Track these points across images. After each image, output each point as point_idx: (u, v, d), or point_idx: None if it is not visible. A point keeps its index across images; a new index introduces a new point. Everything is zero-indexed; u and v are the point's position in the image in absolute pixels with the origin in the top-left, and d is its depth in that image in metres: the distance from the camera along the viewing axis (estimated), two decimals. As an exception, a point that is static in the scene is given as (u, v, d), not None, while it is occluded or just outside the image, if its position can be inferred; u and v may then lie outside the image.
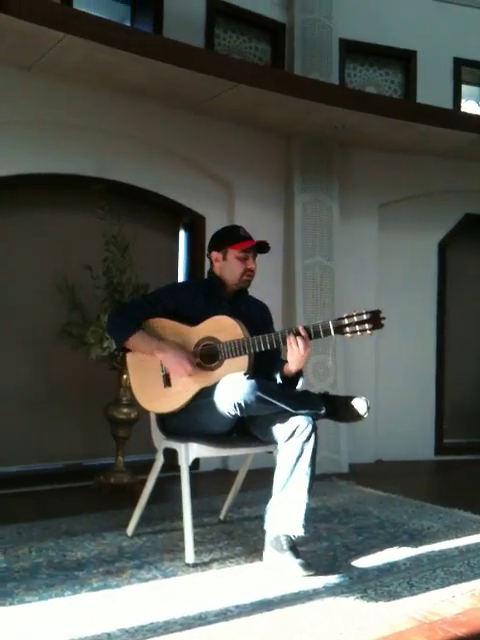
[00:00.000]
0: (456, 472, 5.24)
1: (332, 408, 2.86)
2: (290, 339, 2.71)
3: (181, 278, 4.93)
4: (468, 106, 6.20)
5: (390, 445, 5.48)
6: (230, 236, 3.07)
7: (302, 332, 2.71)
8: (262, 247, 3.05)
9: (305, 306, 5.10)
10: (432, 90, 5.78)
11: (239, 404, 2.63)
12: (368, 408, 2.86)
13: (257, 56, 5.38)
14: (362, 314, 2.63)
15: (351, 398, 2.87)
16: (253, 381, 2.65)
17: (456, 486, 4.76)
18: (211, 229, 4.86)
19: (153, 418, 3.00)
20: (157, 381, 2.90)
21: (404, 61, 5.78)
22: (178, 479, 2.78)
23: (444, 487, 4.82)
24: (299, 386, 2.88)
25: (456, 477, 5.08)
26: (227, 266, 3.02)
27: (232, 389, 2.65)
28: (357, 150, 5.38)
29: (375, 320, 2.64)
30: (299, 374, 2.87)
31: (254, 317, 3.07)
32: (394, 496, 4.10)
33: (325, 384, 5.03)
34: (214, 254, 3.08)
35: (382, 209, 5.55)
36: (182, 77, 4.13)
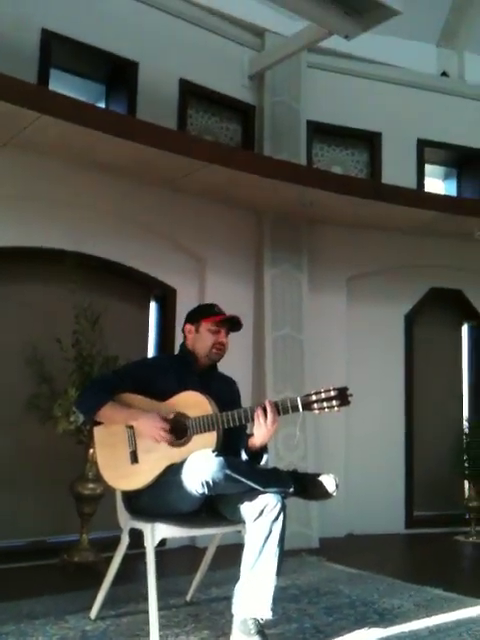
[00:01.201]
0: (426, 546, 5.20)
1: (301, 486, 2.85)
2: (257, 413, 2.73)
3: (151, 350, 4.95)
4: (432, 184, 6.46)
5: (361, 518, 5.43)
6: (205, 310, 3.15)
7: (269, 407, 2.72)
8: (234, 324, 3.09)
9: (275, 378, 5.13)
10: (397, 169, 6.02)
11: (207, 482, 2.61)
12: (337, 486, 2.86)
13: (228, 136, 5.57)
14: (329, 391, 2.67)
15: (319, 476, 2.87)
16: (221, 459, 2.64)
17: (426, 561, 4.72)
18: (182, 301, 5.00)
19: (119, 496, 2.96)
20: (124, 458, 2.87)
21: (369, 142, 6.03)
22: (145, 556, 2.72)
23: (415, 562, 4.77)
24: (264, 461, 2.87)
25: (426, 551, 5.03)
26: (199, 338, 3.06)
27: (200, 467, 2.63)
28: (325, 226, 5.54)
29: (342, 397, 2.67)
30: (264, 449, 2.87)
31: (223, 393, 3.08)
32: (365, 573, 4.04)
33: (295, 456, 5.02)
34: (187, 327, 3.12)
35: (350, 282, 5.68)
36: (155, 157, 4.25)
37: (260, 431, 2.74)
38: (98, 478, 3.89)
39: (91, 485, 4.03)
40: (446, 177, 6.64)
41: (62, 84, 4.89)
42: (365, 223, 5.53)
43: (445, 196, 6.01)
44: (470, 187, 6.42)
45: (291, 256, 5.34)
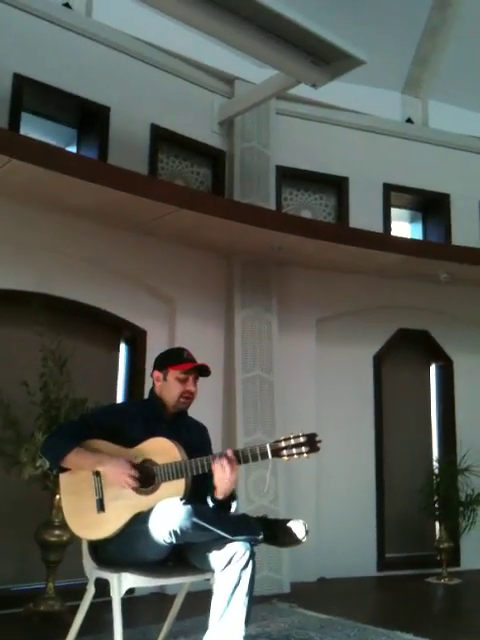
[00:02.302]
0: (398, 589, 5.17)
1: (271, 533, 2.83)
2: (215, 463, 2.71)
3: (121, 393, 4.91)
4: (398, 227, 6.59)
5: (332, 562, 5.39)
6: (172, 357, 3.09)
7: (229, 455, 2.71)
8: (203, 370, 3.08)
9: (245, 420, 5.11)
10: (364, 213, 6.13)
11: (175, 531, 2.58)
12: (307, 532, 2.84)
13: (199, 180, 5.65)
14: (299, 437, 2.68)
15: (289, 522, 2.85)
16: (189, 507, 2.62)
17: (398, 605, 4.68)
18: (153, 343, 4.99)
19: (85, 545, 2.90)
20: (90, 506, 2.82)
21: (337, 186, 6.15)
22: (112, 605, 2.66)
23: (386, 606, 4.73)
24: (233, 509, 2.84)
25: (398, 594, 4.99)
26: (166, 386, 3.03)
27: (167, 516, 2.60)
28: (294, 269, 5.60)
29: (311, 443, 2.68)
30: (232, 497, 2.85)
31: (193, 439, 3.05)
32: (336, 619, 3.99)
33: (266, 500, 4.98)
34: (156, 373, 3.08)
35: (319, 324, 5.73)
36: (126, 201, 4.28)
37: (219, 480, 2.72)
38: (64, 525, 3.82)
39: (57, 532, 3.94)
40: (412, 220, 6.78)
41: (33, 128, 4.93)
42: (333, 266, 5.61)
43: (411, 239, 6.15)
44: (436, 230, 6.56)
45: (261, 298, 5.38)
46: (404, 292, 5.96)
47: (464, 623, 4.19)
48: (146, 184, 4.42)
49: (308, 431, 2.72)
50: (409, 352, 6.22)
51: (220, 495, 2.76)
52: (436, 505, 5.58)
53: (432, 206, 6.60)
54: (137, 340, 4.94)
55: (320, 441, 2.70)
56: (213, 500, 2.80)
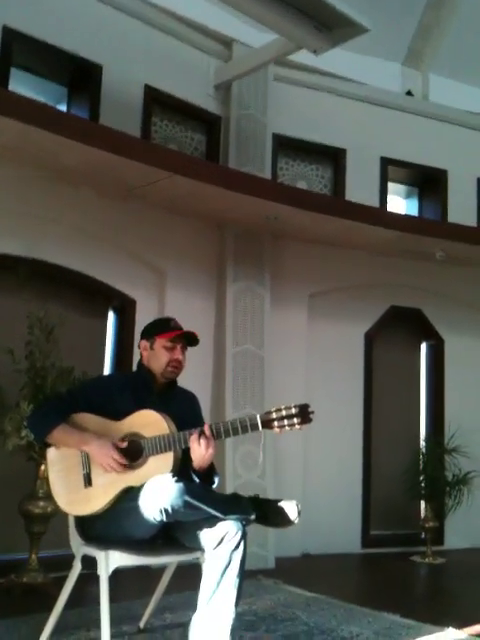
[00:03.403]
0: (383, 567, 5.16)
1: (262, 513, 2.76)
2: (193, 438, 2.62)
3: (108, 362, 4.79)
4: (393, 202, 6.47)
5: (317, 538, 5.35)
6: (160, 326, 3.01)
7: (206, 432, 2.62)
8: (191, 339, 2.97)
9: (234, 394, 5.02)
10: (360, 186, 6.00)
11: (165, 510, 2.50)
12: (299, 513, 2.77)
13: (193, 146, 5.47)
14: (290, 408, 2.58)
15: (281, 502, 2.78)
16: (181, 485, 2.53)
17: (383, 584, 4.66)
18: (142, 313, 4.87)
19: (71, 521, 2.81)
20: (77, 481, 2.73)
21: (334, 158, 6.00)
22: (97, 578, 2.59)
23: (371, 585, 4.69)
24: (215, 484, 2.78)
25: (383, 573, 4.98)
26: (154, 355, 2.93)
27: (158, 493, 2.51)
28: (288, 241, 5.48)
29: (303, 415, 2.58)
30: (212, 470, 2.77)
31: (184, 410, 2.97)
32: (322, 597, 3.95)
33: (253, 475, 4.92)
34: (143, 343, 2.99)
35: (311, 299, 5.62)
36: (117, 164, 4.12)
37: (195, 455, 2.65)
38: (49, 496, 3.73)
39: (42, 503, 3.85)
40: (408, 196, 6.66)
41: (22, 84, 4.73)
42: (328, 240, 5.49)
43: (409, 216, 6.03)
44: (431, 207, 6.45)
45: (254, 271, 5.26)
46: (398, 269, 5.87)
47: (450, 605, 4.17)
48: (139, 147, 4.26)
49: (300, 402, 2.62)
50: (400, 330, 6.14)
51: (196, 466, 2.68)
52: (422, 484, 5.55)
53: (429, 182, 6.48)
54: (126, 309, 4.82)
55: (313, 412, 2.61)
56: (194, 473, 2.70)
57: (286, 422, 2.55)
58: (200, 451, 2.62)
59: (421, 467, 5.59)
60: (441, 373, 6.15)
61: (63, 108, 4.98)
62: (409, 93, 6.37)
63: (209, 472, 2.76)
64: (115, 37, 4.98)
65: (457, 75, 6.42)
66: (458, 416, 5.89)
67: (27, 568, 3.86)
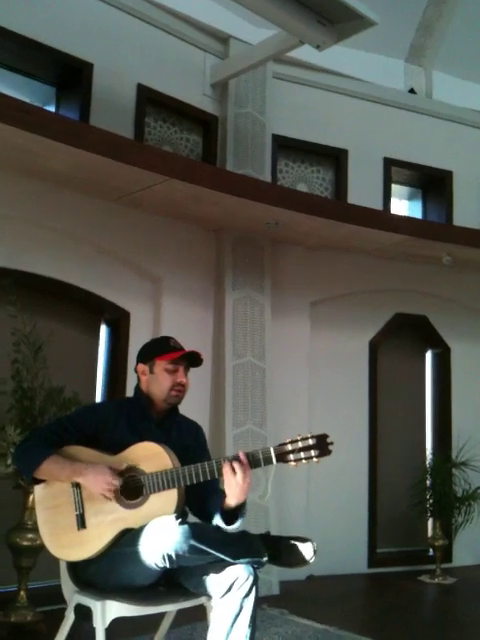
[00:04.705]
0: (391, 590, 4.89)
1: (275, 552, 2.53)
2: (226, 467, 2.36)
3: (101, 379, 4.51)
4: (396, 204, 6.22)
5: (322, 558, 4.99)
6: (158, 346, 2.73)
7: (242, 457, 2.35)
8: (194, 359, 2.71)
9: (234, 409, 4.76)
10: (363, 189, 5.75)
11: (169, 556, 2.26)
12: (315, 551, 2.54)
13: (188, 148, 5.20)
14: (307, 439, 2.36)
15: (296, 540, 2.56)
16: (186, 527, 2.28)
17: (393, 610, 4.38)
18: (136, 325, 4.60)
19: (63, 565, 2.54)
20: (69, 523, 2.47)
21: (336, 159, 5.74)
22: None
23: (381, 613, 4.37)
24: (238, 524, 2.49)
25: (392, 598, 4.69)
26: (154, 380, 2.66)
27: (160, 538, 2.27)
28: (289, 247, 5.23)
29: (322, 446, 2.37)
30: (240, 509, 2.49)
31: (187, 441, 2.72)
32: (331, 629, 3.72)
33: (254, 494, 4.64)
34: (140, 367, 2.72)
35: (313, 307, 5.37)
36: (109, 168, 3.86)
37: (231, 488, 2.38)
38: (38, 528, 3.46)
39: (30, 535, 3.57)
40: (411, 198, 6.42)
41: (8, 84, 4.44)
42: (331, 245, 5.25)
43: (414, 219, 5.77)
44: (436, 209, 6.21)
45: (253, 278, 5.00)
46: (403, 275, 5.63)
47: (466, 634, 3.93)
48: (133, 149, 3.98)
49: (317, 432, 2.39)
50: (406, 338, 5.90)
51: (233, 504, 2.41)
52: (430, 500, 5.31)
53: (433, 183, 6.23)
54: (119, 322, 4.54)
55: (332, 443, 2.37)
56: (221, 515, 2.43)
57: (303, 455, 2.33)
58: (236, 481, 2.35)
59: (429, 482, 5.35)
60: (448, 382, 5.91)
61: (51, 109, 4.69)
62: (412, 91, 6.13)
63: (236, 510, 2.45)
64: (106, 34, 4.69)
65: (462, 72, 6.18)
66: (466, 427, 5.65)
67: (16, 605, 3.58)
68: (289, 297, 5.23)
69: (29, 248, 4.13)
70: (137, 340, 4.48)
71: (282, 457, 2.35)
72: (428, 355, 6.04)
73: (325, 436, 2.37)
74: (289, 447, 2.36)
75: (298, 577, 4.92)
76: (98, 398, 4.46)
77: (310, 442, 2.34)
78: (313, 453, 2.34)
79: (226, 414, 4.71)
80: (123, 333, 4.50)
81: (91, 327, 4.55)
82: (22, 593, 3.60)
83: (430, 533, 5.45)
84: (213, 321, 4.93)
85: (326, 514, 5.19)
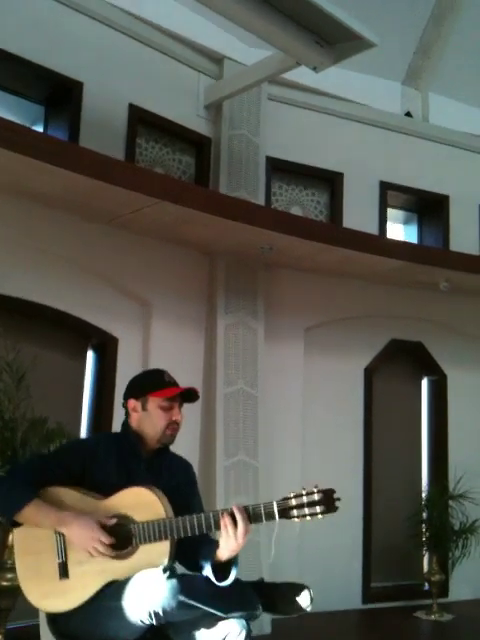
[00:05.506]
0: (386, 628, 4.73)
1: (270, 600, 2.37)
2: (225, 521, 2.20)
3: (86, 409, 4.34)
4: (392, 228, 6.12)
5: (315, 593, 4.89)
6: (152, 381, 2.55)
7: (239, 514, 2.19)
8: (190, 396, 2.55)
9: (226, 438, 4.60)
10: (358, 212, 5.66)
11: (156, 613, 2.08)
12: (312, 599, 2.39)
13: (181, 169, 5.07)
14: (313, 494, 2.20)
15: (291, 588, 2.40)
16: (174, 582, 2.10)
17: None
18: (124, 352, 4.44)
19: (42, 616, 2.36)
20: (51, 571, 2.29)
21: (331, 182, 5.64)
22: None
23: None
24: (232, 578, 2.31)
25: (388, 637, 4.53)
26: (147, 417, 2.49)
27: (147, 594, 2.09)
28: (283, 271, 5.11)
29: (328, 502, 2.20)
30: (233, 562, 2.31)
31: (177, 480, 2.54)
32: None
33: (253, 553, 4.47)
34: (131, 403, 2.54)
35: (308, 332, 5.24)
36: (99, 190, 3.73)
37: (228, 544, 2.20)
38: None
39: (9, 575, 3.41)
40: (406, 222, 6.32)
41: (-5, 102, 4.33)
42: (326, 269, 5.13)
43: (410, 244, 5.68)
44: (432, 233, 6.11)
45: (246, 303, 4.87)
46: (398, 300, 5.52)
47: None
48: (123, 171, 3.86)
49: (324, 486, 2.23)
50: (401, 365, 5.77)
51: (225, 558, 2.24)
52: (427, 533, 5.15)
53: (428, 207, 6.14)
54: (107, 348, 4.40)
55: (339, 499, 2.21)
56: (212, 567, 2.26)
57: (307, 511, 2.17)
58: (234, 537, 2.18)
59: (425, 514, 5.19)
60: (444, 410, 5.77)
61: (40, 128, 4.57)
62: (408, 114, 6.05)
63: (228, 564, 2.26)
64: (97, 52, 4.59)
65: (458, 95, 6.12)
66: (464, 458, 5.51)
67: (-7, 649, 3.40)
68: (283, 322, 5.11)
69: (12, 270, 3.98)
70: (125, 366, 4.34)
71: (285, 513, 2.20)
72: (424, 382, 5.91)
73: (332, 491, 2.21)
74: (293, 502, 2.20)
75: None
76: (83, 428, 4.30)
77: (315, 497, 2.19)
78: (318, 509, 2.18)
79: (217, 444, 4.55)
80: (110, 359, 4.36)
81: (77, 353, 4.40)
82: (0, 637, 3.41)
83: (426, 568, 5.30)
84: (204, 346, 4.79)
85: (319, 546, 5.01)
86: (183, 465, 2.67)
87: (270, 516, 2.19)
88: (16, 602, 3.41)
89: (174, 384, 2.54)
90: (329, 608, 4.89)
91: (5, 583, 3.39)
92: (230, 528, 2.19)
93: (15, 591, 3.38)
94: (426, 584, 5.32)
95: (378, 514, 5.38)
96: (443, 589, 5.32)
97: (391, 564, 5.45)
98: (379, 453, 5.48)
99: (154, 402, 2.48)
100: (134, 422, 2.52)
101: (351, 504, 5.25)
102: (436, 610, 4.99)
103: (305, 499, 2.18)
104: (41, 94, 4.58)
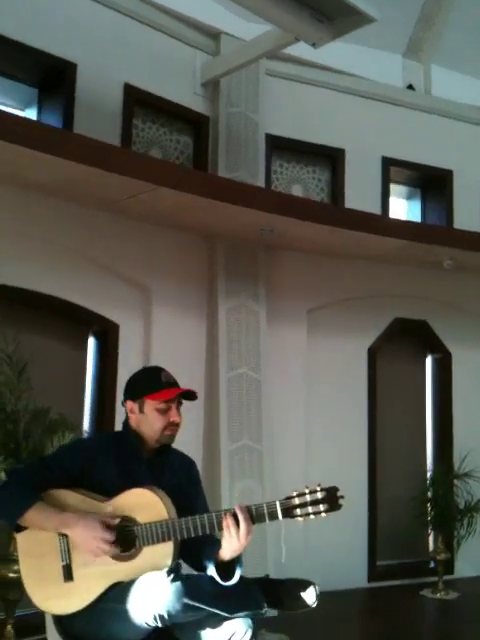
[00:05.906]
0: (393, 607, 4.75)
1: (275, 597, 2.36)
2: (227, 522, 2.17)
3: (89, 398, 4.31)
4: (395, 204, 6.03)
5: (320, 573, 4.89)
6: (148, 382, 2.48)
7: (241, 514, 2.16)
8: (189, 395, 2.51)
9: (229, 424, 4.58)
10: (360, 189, 5.57)
11: (161, 616, 2.07)
12: (317, 596, 2.39)
13: (179, 149, 4.98)
14: (316, 492, 2.17)
15: (297, 584, 2.40)
16: (178, 585, 2.09)
17: (396, 631, 4.24)
18: (125, 338, 4.40)
19: (48, 618, 2.36)
20: (55, 573, 2.28)
21: (332, 159, 5.54)
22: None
23: (380, 635, 4.24)
24: (236, 578, 2.29)
25: (394, 616, 4.56)
26: (145, 420, 2.44)
27: (151, 597, 2.08)
28: (285, 253, 5.04)
29: (331, 500, 2.18)
30: (236, 562, 2.29)
31: (179, 479, 2.51)
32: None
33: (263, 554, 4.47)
34: (129, 404, 2.48)
35: (310, 314, 5.18)
36: (95, 177, 3.65)
37: (231, 544, 2.18)
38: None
39: (16, 567, 3.34)
40: (409, 197, 6.22)
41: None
42: (328, 250, 5.06)
43: (414, 223, 5.61)
44: (435, 209, 6.02)
45: (247, 286, 4.81)
46: (402, 279, 5.46)
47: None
48: (120, 158, 3.77)
49: (327, 484, 2.20)
50: (405, 344, 5.73)
51: (227, 558, 2.21)
52: (432, 512, 5.15)
53: (432, 182, 6.04)
54: (108, 335, 4.36)
55: (342, 497, 2.19)
56: (215, 567, 2.24)
57: (311, 509, 2.14)
58: (237, 537, 2.15)
59: (430, 493, 5.19)
60: (449, 389, 5.75)
61: (33, 112, 4.47)
62: (410, 87, 5.91)
63: (231, 563, 2.23)
64: (90, 31, 4.47)
65: (461, 67, 5.96)
66: (468, 436, 5.51)
67: (2, 639, 3.42)
68: (285, 305, 5.05)
69: (10, 259, 3.92)
70: (127, 353, 4.32)
71: (288, 512, 2.17)
72: (428, 361, 5.87)
73: (335, 489, 2.20)
74: (296, 501, 2.17)
75: (297, 595, 4.76)
76: (86, 417, 4.27)
77: (319, 496, 2.16)
78: (322, 507, 2.16)
79: (221, 429, 4.53)
80: (112, 346, 4.32)
81: (78, 341, 4.37)
82: (9, 628, 3.44)
83: (431, 546, 5.32)
84: (206, 331, 4.75)
85: (325, 526, 4.94)
86: (186, 463, 2.63)
87: (273, 516, 2.17)
88: (24, 593, 3.43)
89: (172, 384, 2.47)
90: (335, 587, 4.93)
91: (12, 575, 3.39)
92: (232, 528, 2.17)
93: (22, 583, 3.41)
94: (431, 562, 5.35)
95: (383, 493, 5.39)
96: (449, 566, 5.35)
97: (396, 543, 5.47)
98: (383, 433, 5.46)
99: (150, 405, 2.42)
100: (133, 423, 2.48)
101: (356, 484, 5.27)
102: (441, 588, 5.02)
103: (308, 498, 2.16)
104: (34, 77, 4.48)
